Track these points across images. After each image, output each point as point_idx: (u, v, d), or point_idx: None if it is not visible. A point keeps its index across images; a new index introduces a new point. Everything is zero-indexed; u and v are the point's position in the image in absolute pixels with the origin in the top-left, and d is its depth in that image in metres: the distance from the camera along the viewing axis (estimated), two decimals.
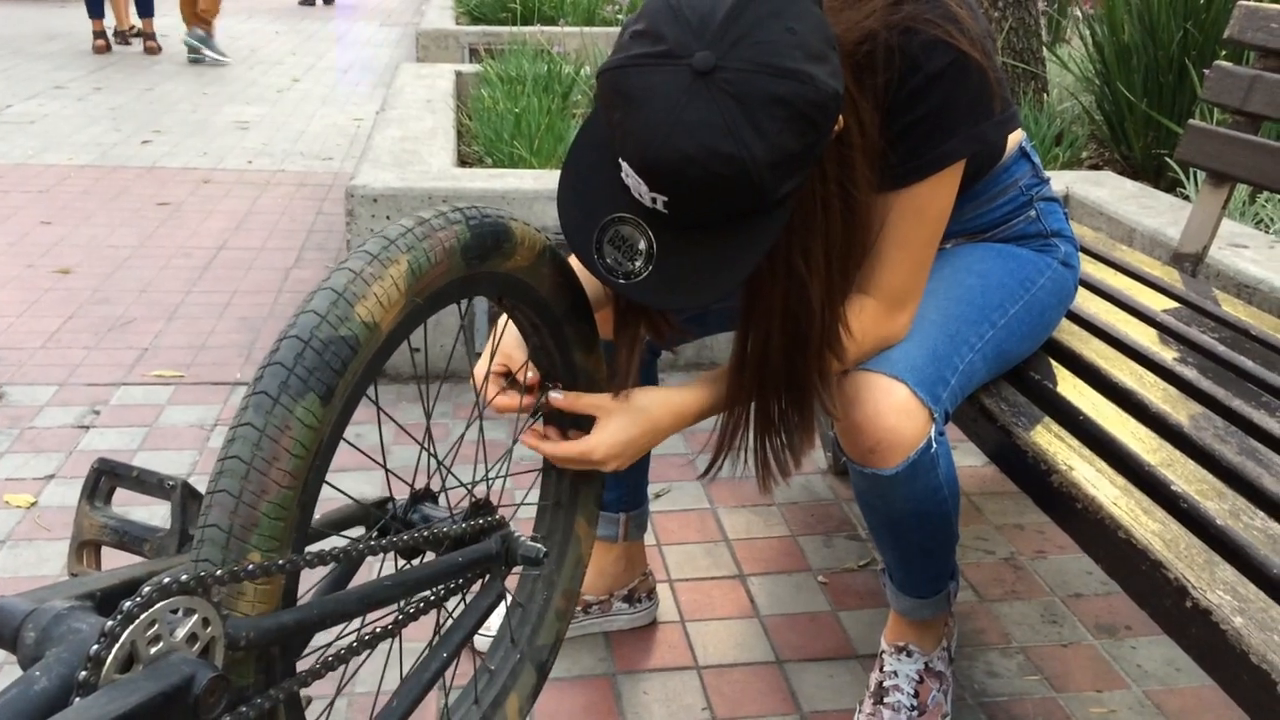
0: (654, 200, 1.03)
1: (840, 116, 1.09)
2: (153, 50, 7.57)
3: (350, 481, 2.13)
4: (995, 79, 1.22)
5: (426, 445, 1.06)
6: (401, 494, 2.04)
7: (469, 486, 1.18)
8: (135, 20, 7.86)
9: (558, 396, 1.22)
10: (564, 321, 1.22)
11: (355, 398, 0.94)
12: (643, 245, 1.06)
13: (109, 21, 8.06)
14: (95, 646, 0.76)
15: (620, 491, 1.66)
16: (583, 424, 1.23)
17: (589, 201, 1.09)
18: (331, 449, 0.92)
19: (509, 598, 1.32)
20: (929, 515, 1.33)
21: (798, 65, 0.99)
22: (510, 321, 1.26)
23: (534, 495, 2.13)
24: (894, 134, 1.20)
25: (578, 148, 1.11)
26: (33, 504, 2.04)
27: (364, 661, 1.15)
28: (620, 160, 1.04)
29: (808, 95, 0.99)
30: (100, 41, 7.51)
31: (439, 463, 1.09)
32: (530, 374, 1.25)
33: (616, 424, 1.21)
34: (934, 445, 1.27)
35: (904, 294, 1.28)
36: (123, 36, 7.97)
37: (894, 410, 1.24)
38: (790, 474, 1.30)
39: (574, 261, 1.25)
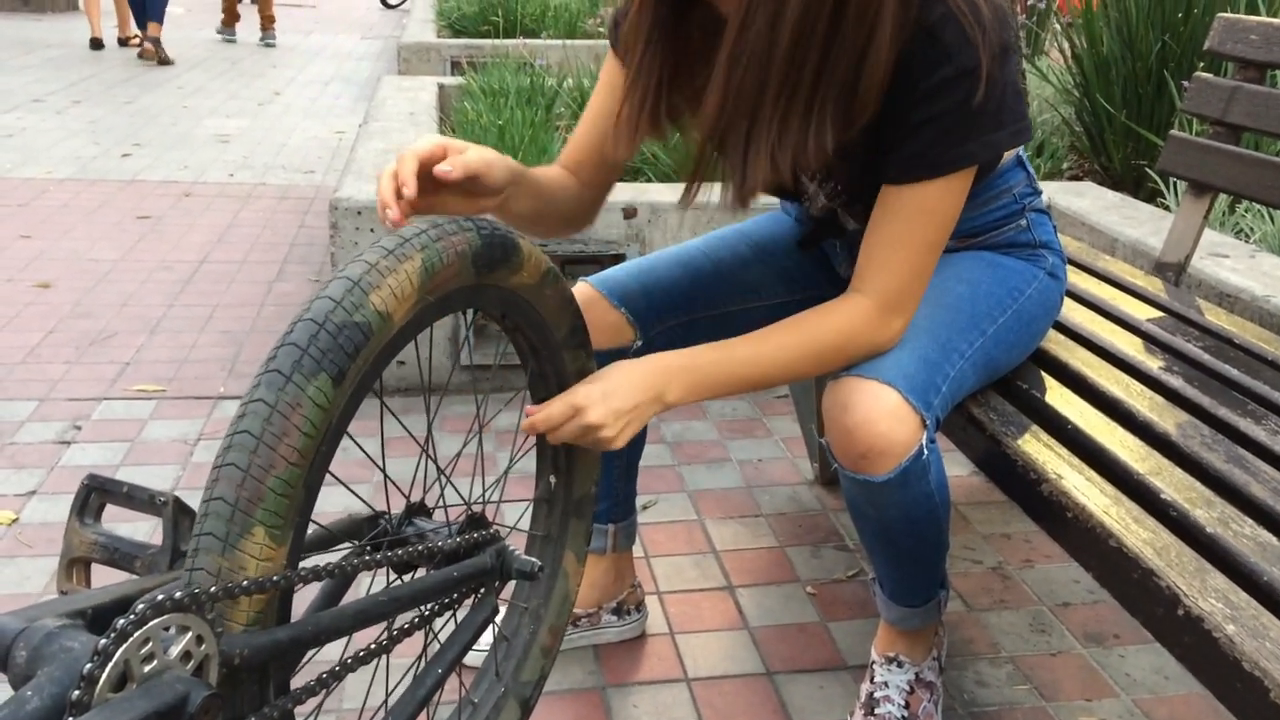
0: None
1: None
2: (149, 55, 7.77)
3: (342, 497, 2.11)
4: (1016, 89, 1.23)
5: (428, 452, 1.06)
6: (393, 508, 2.03)
7: (467, 501, 1.18)
8: (134, 28, 8.21)
9: (531, 419, 1.19)
10: (563, 347, 1.22)
11: (364, 387, 0.94)
12: None
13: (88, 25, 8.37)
14: (88, 665, 0.75)
15: (609, 503, 1.66)
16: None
17: None
18: (339, 435, 0.93)
19: (496, 627, 1.31)
20: (920, 522, 1.33)
21: None
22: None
23: (524, 524, 2.12)
24: (914, 125, 1.21)
25: None
26: (14, 520, 2.02)
27: (347, 677, 1.14)
28: None
29: None
30: (148, 46, 7.71)
31: (439, 471, 1.08)
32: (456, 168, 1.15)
33: (591, 382, 1.20)
34: (925, 452, 1.28)
35: (900, 298, 1.27)
36: (122, 41, 8.26)
37: (886, 416, 1.24)
38: (756, 193, 1.24)
39: (575, 290, 1.24)
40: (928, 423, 1.27)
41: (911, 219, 1.24)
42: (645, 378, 1.21)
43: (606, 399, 1.18)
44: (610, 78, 1.40)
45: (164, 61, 7.70)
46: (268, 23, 9.06)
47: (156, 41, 7.71)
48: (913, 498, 1.29)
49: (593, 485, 1.37)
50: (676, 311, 1.56)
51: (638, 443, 1.64)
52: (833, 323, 1.26)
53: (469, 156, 1.15)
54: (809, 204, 1.45)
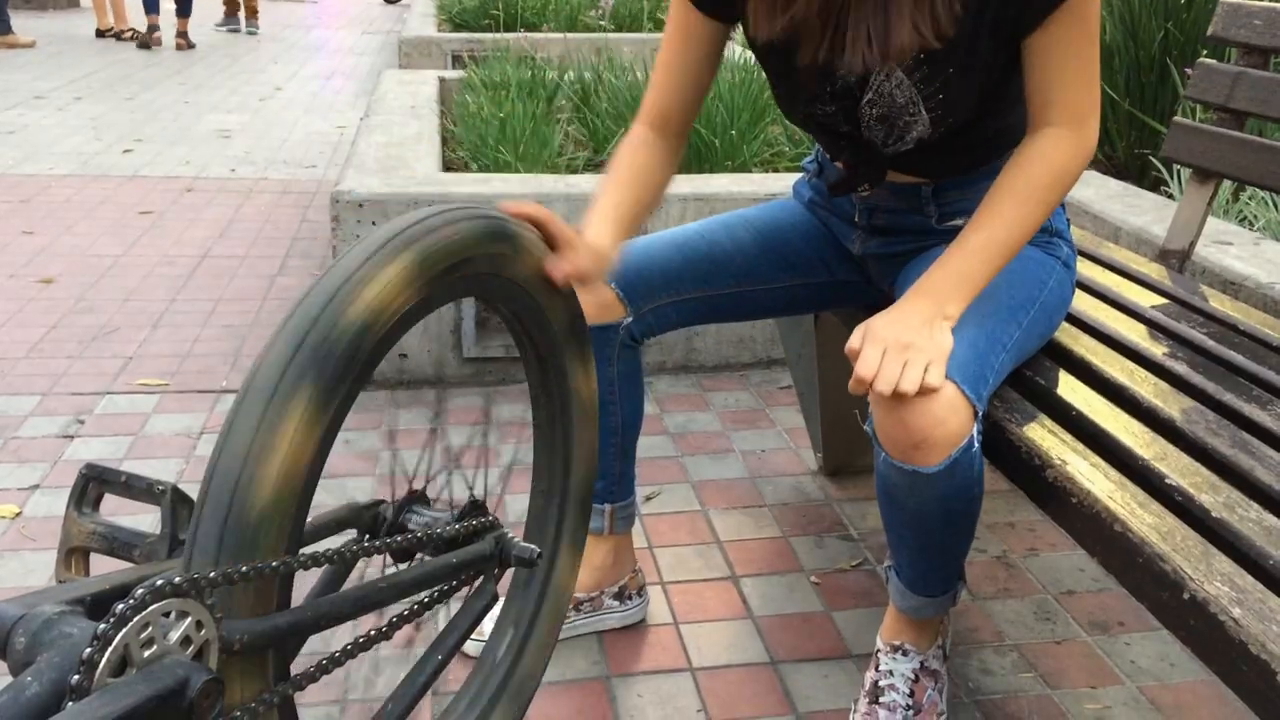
0: None
1: None
2: (183, 47, 8.36)
3: (337, 487, 2.11)
4: None
5: (431, 444, 1.05)
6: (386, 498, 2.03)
7: (471, 489, 1.18)
8: (133, 22, 8.68)
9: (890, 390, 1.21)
10: (560, 336, 1.22)
11: (360, 382, 0.94)
12: None
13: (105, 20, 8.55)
14: (88, 650, 0.75)
15: (605, 482, 1.65)
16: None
17: None
18: (333, 432, 0.92)
19: (494, 618, 1.31)
20: (958, 514, 1.32)
21: None
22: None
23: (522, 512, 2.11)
24: None
25: None
26: (17, 514, 2.02)
27: (346, 664, 1.14)
28: None
29: None
30: (156, 34, 8.15)
31: (445, 460, 1.08)
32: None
33: (914, 360, 1.22)
34: (975, 444, 1.27)
35: (1085, 107, 1.30)
36: (118, 35, 8.45)
37: (942, 406, 1.22)
38: (898, 53, 1.28)
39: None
40: (979, 413, 1.26)
41: (1069, 34, 1.28)
42: (924, 320, 1.25)
43: (941, 361, 1.22)
44: (683, 21, 1.43)
45: (190, 46, 8.39)
46: (250, 14, 9.58)
47: (184, 34, 8.34)
48: (956, 489, 1.28)
49: (591, 473, 1.36)
50: (668, 290, 1.56)
51: (634, 423, 1.63)
52: (1041, 169, 1.29)
53: (583, 265, 1.20)
54: (867, 109, 1.42)
